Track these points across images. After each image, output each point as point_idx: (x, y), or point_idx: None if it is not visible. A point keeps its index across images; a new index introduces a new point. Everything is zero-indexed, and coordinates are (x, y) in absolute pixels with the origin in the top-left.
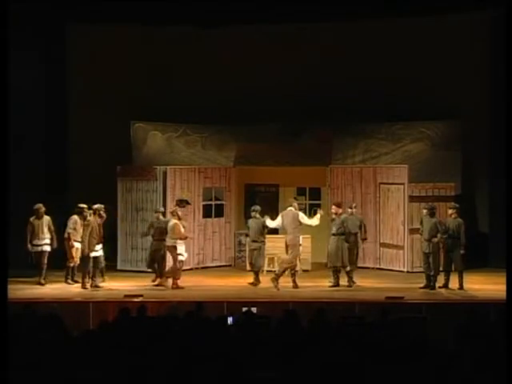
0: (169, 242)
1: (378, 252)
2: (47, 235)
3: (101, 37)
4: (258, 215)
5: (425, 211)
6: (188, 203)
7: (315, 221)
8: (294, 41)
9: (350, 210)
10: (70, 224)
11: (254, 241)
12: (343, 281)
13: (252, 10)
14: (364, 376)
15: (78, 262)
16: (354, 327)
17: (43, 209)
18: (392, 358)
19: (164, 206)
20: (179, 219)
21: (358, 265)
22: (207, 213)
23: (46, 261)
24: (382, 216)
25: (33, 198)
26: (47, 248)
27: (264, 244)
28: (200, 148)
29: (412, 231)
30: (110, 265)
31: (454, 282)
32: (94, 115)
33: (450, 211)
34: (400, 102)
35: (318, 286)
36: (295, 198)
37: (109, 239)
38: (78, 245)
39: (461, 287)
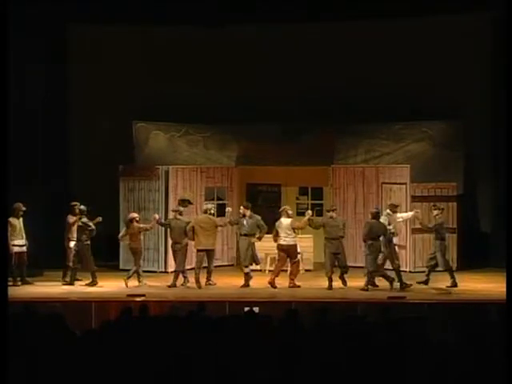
0: (290, 241)
1: None
2: (24, 235)
3: (101, 37)
4: (179, 216)
5: (370, 215)
6: (190, 203)
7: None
8: (295, 41)
9: (328, 213)
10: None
11: (176, 242)
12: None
13: (252, 9)
14: (365, 376)
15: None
16: (356, 327)
17: (23, 208)
18: (393, 358)
19: (166, 205)
20: (289, 217)
21: (357, 265)
22: None
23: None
24: None
25: (33, 198)
26: (25, 248)
27: (186, 246)
28: (202, 148)
29: (414, 231)
30: (113, 264)
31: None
32: (95, 115)
33: (434, 212)
34: (401, 102)
35: (320, 286)
36: (297, 198)
37: (111, 239)
38: (72, 244)
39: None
